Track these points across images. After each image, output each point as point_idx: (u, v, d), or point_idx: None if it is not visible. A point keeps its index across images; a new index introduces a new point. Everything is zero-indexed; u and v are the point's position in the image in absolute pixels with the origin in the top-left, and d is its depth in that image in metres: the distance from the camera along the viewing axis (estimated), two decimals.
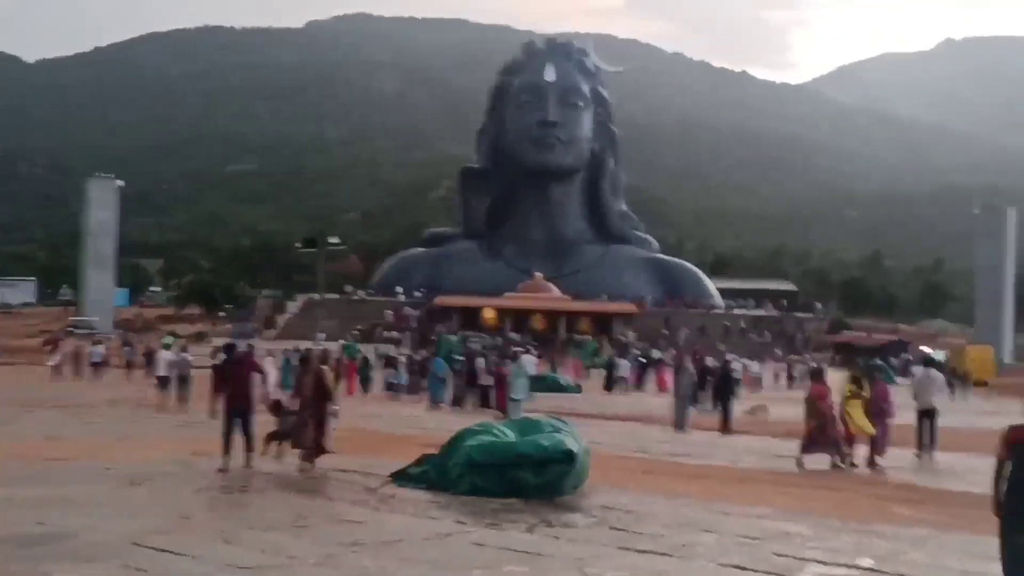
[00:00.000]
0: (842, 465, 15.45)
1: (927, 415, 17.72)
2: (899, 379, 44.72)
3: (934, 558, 8.90)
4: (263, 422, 13.60)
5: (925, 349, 63.25)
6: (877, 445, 16.08)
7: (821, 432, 15.49)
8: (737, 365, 32.14)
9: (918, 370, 20.09)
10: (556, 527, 9.65)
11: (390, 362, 35.93)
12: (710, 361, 35.68)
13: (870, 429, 15.76)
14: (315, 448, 12.91)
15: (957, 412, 28.09)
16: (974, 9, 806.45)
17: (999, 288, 69.80)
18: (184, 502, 10.24)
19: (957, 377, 45.13)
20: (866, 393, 16.14)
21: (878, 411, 16.24)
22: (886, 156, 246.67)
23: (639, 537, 9.23)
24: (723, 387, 23.26)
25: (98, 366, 35.19)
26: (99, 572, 7.10)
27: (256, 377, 13.43)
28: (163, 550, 7.84)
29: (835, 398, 15.99)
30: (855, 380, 16.28)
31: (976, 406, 36.26)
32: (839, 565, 8.38)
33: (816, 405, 15.71)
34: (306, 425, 12.87)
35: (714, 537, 9.38)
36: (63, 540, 8.11)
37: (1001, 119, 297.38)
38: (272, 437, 13.64)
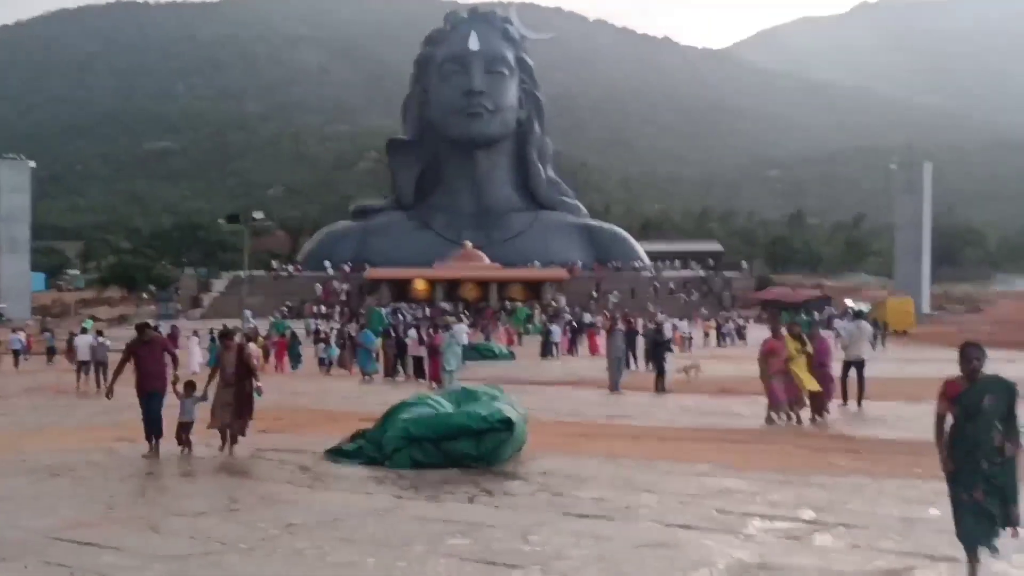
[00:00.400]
0: (777, 421, 15.46)
1: (856, 366, 17.93)
2: (824, 332, 45.42)
3: (872, 506, 8.98)
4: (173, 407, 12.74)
5: (849, 302, 64.50)
6: (822, 400, 16.12)
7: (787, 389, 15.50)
8: (668, 325, 32.22)
9: (846, 323, 20.31)
10: (497, 496, 9.49)
11: (321, 337, 35.49)
12: (641, 323, 35.91)
13: (815, 385, 15.77)
14: (232, 431, 12.27)
15: (881, 361, 28.54)
16: None
17: (917, 241, 71.18)
18: (108, 491, 9.83)
19: (878, 328, 46.05)
20: (809, 349, 16.12)
21: (820, 365, 16.30)
22: (806, 118, 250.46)
23: (581, 501, 9.12)
24: (655, 348, 23.26)
25: (18, 353, 34.15)
26: (17, 570, 6.73)
27: (167, 357, 12.86)
28: (86, 543, 7.48)
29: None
30: (797, 337, 16.22)
31: (898, 355, 36.97)
32: (781, 518, 8.41)
33: (768, 361, 15.72)
34: (228, 405, 12.20)
35: (655, 497, 9.32)
36: None
37: (915, 79, 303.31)
38: (181, 432, 12.28)
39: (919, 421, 15.26)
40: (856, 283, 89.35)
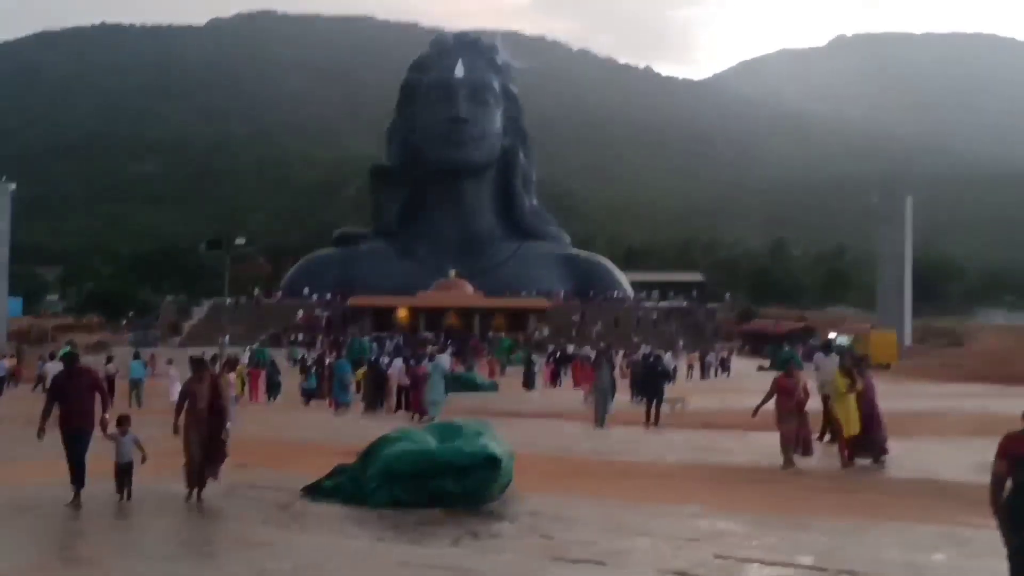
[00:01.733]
0: (792, 462, 14.33)
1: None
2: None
3: (874, 551, 8.67)
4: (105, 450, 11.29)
5: (832, 335, 64.40)
6: (876, 440, 14.79)
7: (799, 431, 14.55)
8: (668, 356, 31.97)
9: (820, 357, 19.87)
10: (483, 539, 9.11)
11: (303, 367, 34.97)
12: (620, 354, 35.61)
13: (856, 428, 14.55)
14: (200, 474, 11.10)
15: None
16: (864, 7, 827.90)
17: (900, 274, 71.16)
18: (71, 532, 9.38)
19: (865, 362, 46.14)
20: (859, 387, 14.90)
21: (869, 405, 15.01)
22: (786, 148, 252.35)
23: (571, 545, 8.77)
24: (653, 379, 22.88)
25: (2, 381, 33.16)
26: None
27: (96, 395, 11.17)
28: None
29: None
30: (847, 373, 15.02)
31: (881, 389, 36.70)
32: (781, 564, 8.06)
33: (780, 401, 14.69)
34: (201, 443, 11.02)
35: (649, 541, 8.99)
36: None
37: (891, 110, 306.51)
38: (121, 476, 10.95)
39: (910, 458, 15.05)
40: (838, 315, 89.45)
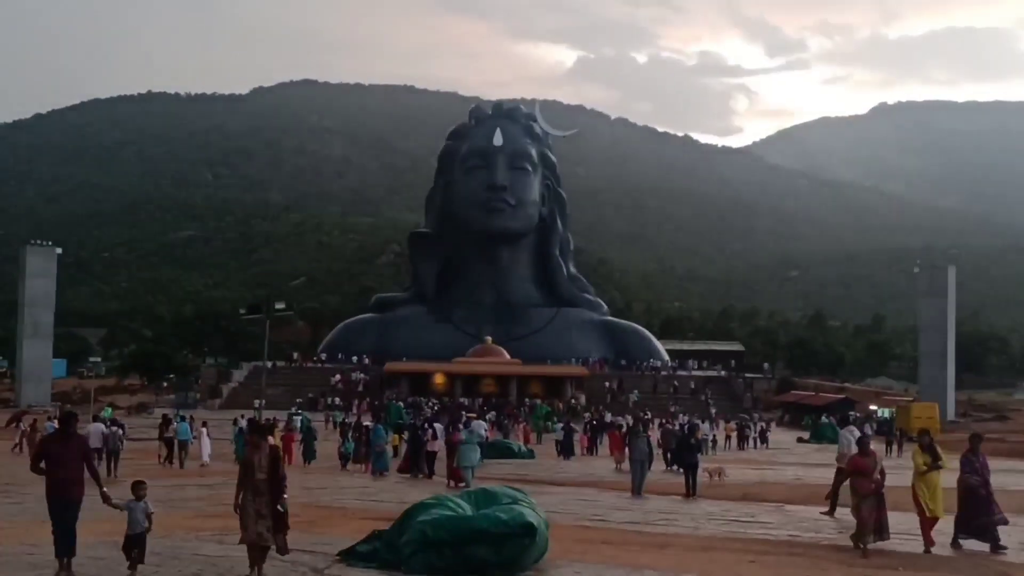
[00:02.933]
0: (862, 546, 13.38)
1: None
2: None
3: None
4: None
5: (873, 407, 63.61)
6: (988, 523, 13.81)
7: (877, 514, 13.48)
8: (705, 426, 31.68)
9: (847, 432, 19.47)
10: None
11: (343, 430, 34.98)
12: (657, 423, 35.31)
13: (940, 511, 13.81)
14: (259, 550, 10.27)
15: (904, 470, 27.74)
16: (906, 75, 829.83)
17: (942, 345, 70.37)
18: None
19: (904, 435, 45.62)
20: (943, 463, 13.93)
21: (986, 484, 13.95)
22: (825, 217, 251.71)
23: None
24: (685, 450, 22.69)
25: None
26: None
27: (82, 461, 10.41)
28: None
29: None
30: (928, 449, 14.09)
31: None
32: None
33: (856, 482, 13.75)
34: (262, 516, 10.17)
35: None
36: None
37: (935, 180, 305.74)
38: (131, 547, 10.29)
39: (950, 534, 14.68)
40: (880, 387, 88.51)
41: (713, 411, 63.24)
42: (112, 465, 23.07)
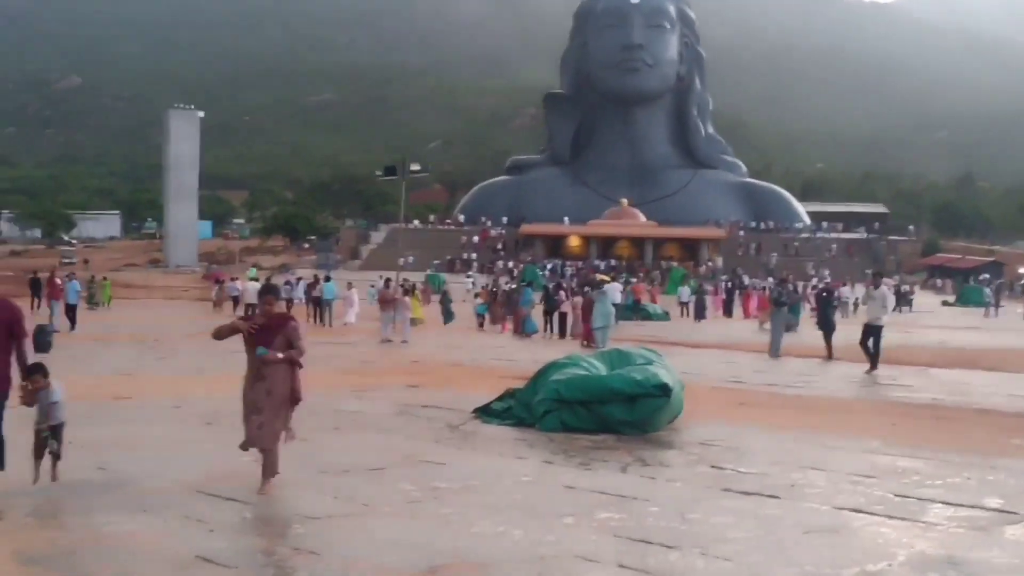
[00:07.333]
0: None
1: (872, 332, 18.09)
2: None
3: None
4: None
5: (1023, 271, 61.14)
6: None
7: None
8: (845, 290, 30.99)
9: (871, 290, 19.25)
10: (651, 466, 8.98)
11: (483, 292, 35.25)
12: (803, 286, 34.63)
13: None
14: (264, 457, 7.54)
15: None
16: None
17: None
18: None
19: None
20: None
21: None
22: (977, 76, 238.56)
23: (742, 477, 8.54)
24: (823, 313, 22.16)
25: (236, 299, 34.70)
26: (157, 523, 6.60)
27: (13, 338, 7.03)
28: (228, 498, 7.32)
29: None
30: None
31: None
32: (965, 506, 7.62)
33: None
34: (257, 408, 7.48)
35: (823, 475, 8.66)
36: (122, 487, 7.62)
37: None
38: (41, 446, 7.53)
39: None
40: None
41: (867, 272, 61.73)
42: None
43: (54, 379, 7.65)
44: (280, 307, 8.01)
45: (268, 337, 7.53)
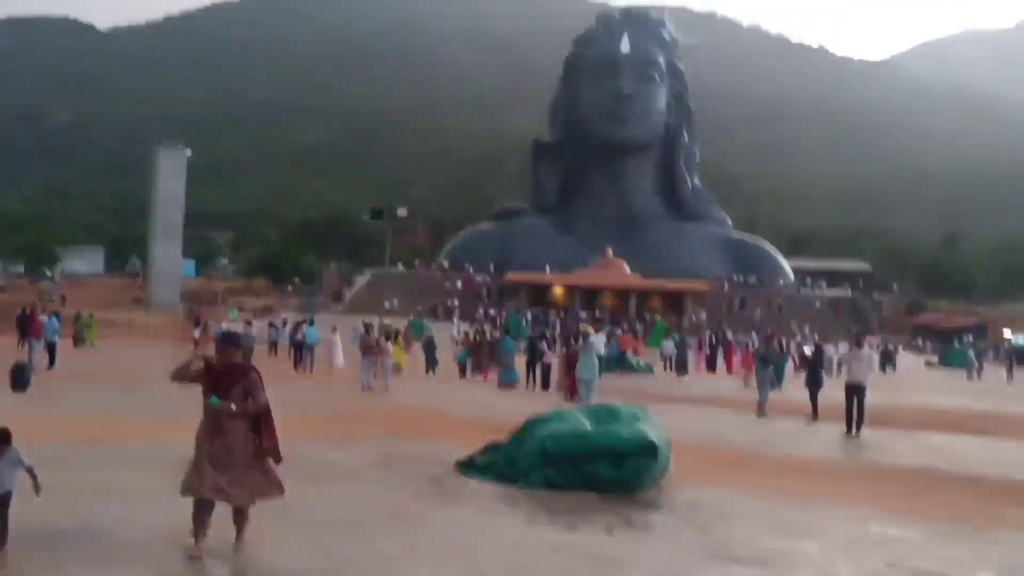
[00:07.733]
0: None
1: (856, 391, 17.86)
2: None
3: None
4: None
5: (1007, 333, 61.29)
6: None
7: None
8: (831, 349, 30.90)
9: (853, 352, 19.26)
10: (638, 529, 8.76)
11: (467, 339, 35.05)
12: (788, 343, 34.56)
13: None
14: (236, 511, 7.08)
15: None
16: None
17: None
18: None
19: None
20: None
21: None
22: (966, 134, 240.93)
23: (731, 542, 8.35)
24: (811, 372, 22.00)
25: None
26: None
27: None
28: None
29: None
30: None
31: None
32: None
33: None
34: (223, 464, 6.88)
35: (814, 543, 8.48)
36: (94, 537, 7.35)
37: None
38: None
39: None
40: (1015, 312, 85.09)
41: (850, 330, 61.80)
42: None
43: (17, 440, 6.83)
44: (237, 357, 7.31)
45: (226, 387, 6.93)
